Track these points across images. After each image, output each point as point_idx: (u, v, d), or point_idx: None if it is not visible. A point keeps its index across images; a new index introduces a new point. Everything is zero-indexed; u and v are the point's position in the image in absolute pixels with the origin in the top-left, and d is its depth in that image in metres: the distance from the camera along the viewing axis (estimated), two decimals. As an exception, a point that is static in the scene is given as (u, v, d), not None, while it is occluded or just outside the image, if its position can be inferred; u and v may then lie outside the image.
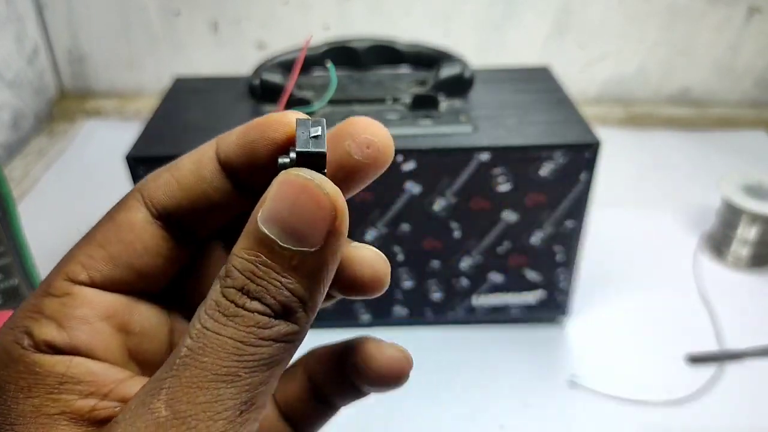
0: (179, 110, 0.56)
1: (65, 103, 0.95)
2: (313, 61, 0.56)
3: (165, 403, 0.17)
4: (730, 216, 0.66)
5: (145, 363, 0.22)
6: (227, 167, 0.21)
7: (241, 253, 0.17)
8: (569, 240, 0.54)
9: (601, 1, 0.89)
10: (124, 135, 0.60)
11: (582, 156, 0.50)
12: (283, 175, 0.18)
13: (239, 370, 0.17)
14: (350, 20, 0.90)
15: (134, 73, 0.95)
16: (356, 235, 0.52)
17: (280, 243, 0.17)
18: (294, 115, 0.20)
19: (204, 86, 0.60)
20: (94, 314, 0.20)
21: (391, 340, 0.24)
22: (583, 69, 0.94)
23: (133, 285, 0.21)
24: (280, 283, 0.17)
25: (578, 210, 0.52)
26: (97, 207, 0.21)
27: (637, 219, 0.73)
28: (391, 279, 0.22)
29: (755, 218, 0.64)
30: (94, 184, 0.77)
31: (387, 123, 0.52)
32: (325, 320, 0.56)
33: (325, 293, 0.19)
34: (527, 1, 0.89)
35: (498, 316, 0.58)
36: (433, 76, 0.56)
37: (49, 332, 0.19)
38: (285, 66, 0.55)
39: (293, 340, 0.18)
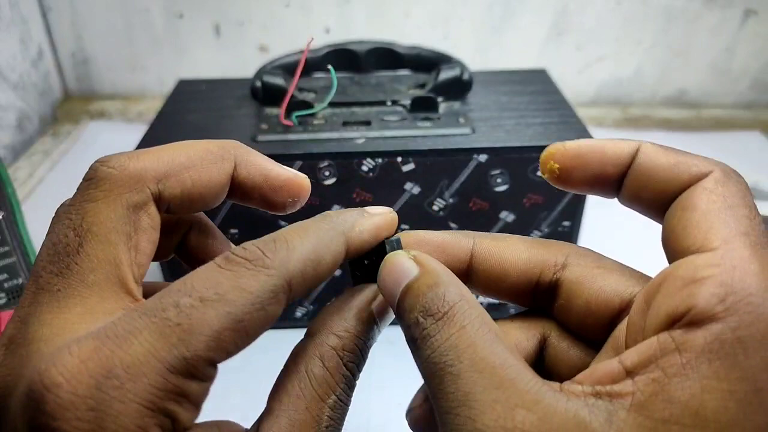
0: (182, 112, 0.57)
1: (69, 105, 0.96)
2: (314, 63, 0.57)
3: None
4: (725, 216, 0.66)
5: None
6: (240, 187, 0.26)
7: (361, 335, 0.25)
8: (566, 240, 0.54)
9: (598, 4, 0.90)
10: (128, 136, 0.61)
11: (578, 157, 0.50)
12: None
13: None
14: (350, 23, 0.91)
15: (137, 75, 0.96)
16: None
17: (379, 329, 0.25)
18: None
19: (207, 88, 0.61)
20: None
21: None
22: (581, 71, 0.95)
23: None
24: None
25: (575, 210, 0.53)
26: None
27: (634, 219, 0.74)
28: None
29: (750, 218, 0.64)
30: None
31: (387, 125, 0.53)
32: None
33: None
34: (525, 4, 0.90)
35: (496, 314, 0.59)
36: (432, 79, 0.57)
37: (190, 420, 0.19)
38: (286, 68, 0.56)
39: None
